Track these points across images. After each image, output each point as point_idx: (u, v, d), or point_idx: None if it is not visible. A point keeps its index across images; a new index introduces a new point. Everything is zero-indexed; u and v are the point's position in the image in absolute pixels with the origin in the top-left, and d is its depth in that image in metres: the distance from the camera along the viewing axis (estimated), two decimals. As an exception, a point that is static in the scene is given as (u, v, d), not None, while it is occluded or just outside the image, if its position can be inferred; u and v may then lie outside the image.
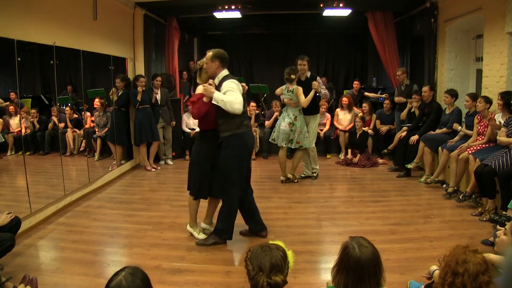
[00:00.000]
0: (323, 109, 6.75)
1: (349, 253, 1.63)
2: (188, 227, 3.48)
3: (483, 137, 4.26)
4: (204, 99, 3.06)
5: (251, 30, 9.28)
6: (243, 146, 3.19)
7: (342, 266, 1.65)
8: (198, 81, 3.31)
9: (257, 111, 6.91)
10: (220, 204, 3.37)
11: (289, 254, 1.60)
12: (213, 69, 3.15)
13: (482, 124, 4.31)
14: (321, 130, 6.69)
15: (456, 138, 4.72)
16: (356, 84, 7.24)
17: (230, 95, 2.95)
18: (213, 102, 2.97)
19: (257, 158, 6.72)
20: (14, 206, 3.77)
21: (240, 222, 3.43)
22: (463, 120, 4.79)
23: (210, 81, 3.12)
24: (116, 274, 1.43)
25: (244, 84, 3.28)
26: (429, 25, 5.95)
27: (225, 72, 3.17)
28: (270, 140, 5.37)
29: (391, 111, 6.52)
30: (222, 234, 3.27)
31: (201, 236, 3.38)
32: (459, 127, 4.75)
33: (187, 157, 6.79)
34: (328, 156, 6.67)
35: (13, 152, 4.43)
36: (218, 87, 3.08)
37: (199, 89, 3.16)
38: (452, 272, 1.55)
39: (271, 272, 1.48)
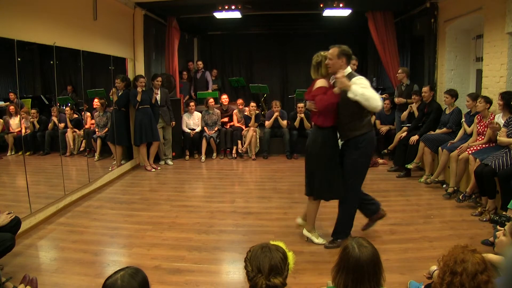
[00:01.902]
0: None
1: (349, 253, 1.63)
2: (305, 232, 3.35)
3: (483, 137, 4.26)
4: (335, 90, 2.91)
5: (251, 30, 9.27)
6: (373, 145, 3.18)
7: (342, 266, 1.65)
8: (314, 75, 3.15)
9: (257, 111, 6.91)
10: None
11: (290, 255, 1.58)
12: (338, 66, 2.99)
13: (482, 124, 4.31)
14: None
15: (458, 137, 4.73)
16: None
17: (370, 91, 2.82)
18: (349, 95, 2.82)
19: (257, 158, 6.72)
20: (14, 206, 3.77)
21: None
22: (463, 120, 4.79)
23: (341, 72, 2.91)
24: (116, 272, 1.43)
25: None
26: (429, 25, 5.95)
27: (349, 69, 3.04)
28: None
29: (391, 111, 6.51)
30: (344, 235, 3.21)
31: (320, 240, 3.29)
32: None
33: (187, 157, 6.80)
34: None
35: (13, 152, 4.43)
36: None
37: (320, 83, 3.02)
38: (450, 271, 1.54)
39: (270, 274, 1.46)
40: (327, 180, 3.12)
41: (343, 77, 2.87)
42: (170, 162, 6.43)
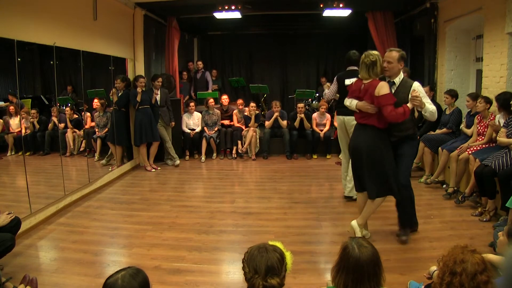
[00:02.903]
0: (323, 109, 6.77)
1: (349, 253, 1.63)
2: (355, 224, 3.28)
3: (483, 137, 4.26)
4: (409, 105, 2.98)
5: (251, 30, 9.28)
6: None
7: (342, 266, 1.65)
8: (365, 75, 3.08)
9: (257, 112, 6.91)
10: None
11: (288, 255, 1.58)
12: (396, 70, 3.04)
13: (482, 124, 4.31)
14: (321, 130, 6.70)
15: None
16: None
17: (430, 103, 3.04)
18: (423, 112, 2.99)
19: (257, 158, 6.72)
20: (14, 206, 3.77)
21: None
22: (464, 120, 4.79)
23: (416, 92, 2.97)
24: (117, 272, 1.44)
25: None
26: (429, 25, 5.95)
27: (401, 74, 3.10)
28: None
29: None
30: (415, 224, 3.38)
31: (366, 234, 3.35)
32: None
33: (187, 157, 6.80)
34: (328, 156, 6.67)
35: (13, 153, 4.43)
36: (401, 89, 3.06)
37: (385, 88, 2.95)
38: (450, 271, 1.54)
39: (266, 275, 1.46)
40: (388, 177, 3.13)
41: (420, 97, 2.94)
42: (170, 162, 6.43)
